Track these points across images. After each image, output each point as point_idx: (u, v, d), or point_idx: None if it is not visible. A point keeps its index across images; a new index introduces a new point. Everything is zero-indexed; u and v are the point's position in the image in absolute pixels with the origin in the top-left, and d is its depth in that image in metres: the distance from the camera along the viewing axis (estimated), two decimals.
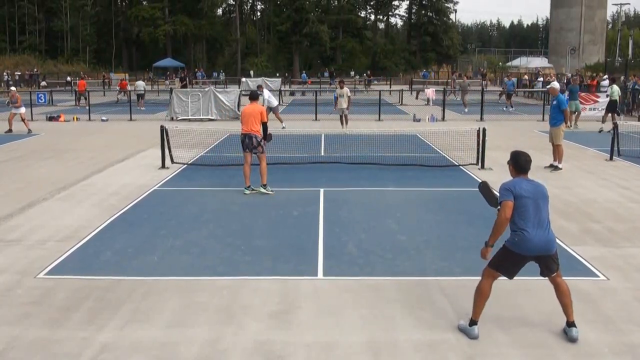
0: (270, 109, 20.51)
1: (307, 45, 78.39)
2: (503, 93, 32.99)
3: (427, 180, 12.10)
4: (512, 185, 5.10)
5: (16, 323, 5.54)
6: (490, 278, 5.26)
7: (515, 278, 5.45)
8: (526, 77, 45.26)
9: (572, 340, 5.12)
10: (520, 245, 5.03)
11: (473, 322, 5.25)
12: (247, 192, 10.85)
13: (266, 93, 21.44)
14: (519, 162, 5.20)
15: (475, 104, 29.78)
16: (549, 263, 5.15)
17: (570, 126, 22.89)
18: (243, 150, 10.93)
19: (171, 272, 6.85)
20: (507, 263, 5.16)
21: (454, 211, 9.65)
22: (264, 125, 10.92)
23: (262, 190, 10.83)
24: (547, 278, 5.32)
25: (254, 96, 11.25)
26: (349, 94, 21.19)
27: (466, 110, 28.61)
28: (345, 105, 20.77)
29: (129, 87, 36.38)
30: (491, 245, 5.16)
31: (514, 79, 34.87)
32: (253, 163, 11.01)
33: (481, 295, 5.25)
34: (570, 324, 5.18)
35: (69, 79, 52.24)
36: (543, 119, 23.66)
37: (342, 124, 21.11)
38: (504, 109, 29.93)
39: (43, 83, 53.16)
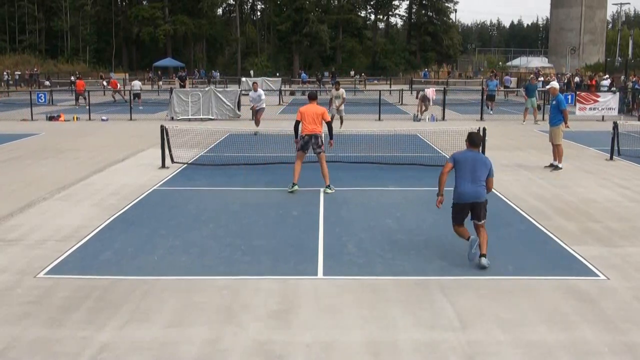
0: (261, 109, 20.47)
1: (307, 45, 78.38)
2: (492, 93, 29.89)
3: (427, 180, 12.08)
4: (456, 154, 7.22)
5: (16, 323, 5.54)
6: (456, 226, 7.20)
7: (514, 278, 6.05)
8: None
9: (481, 267, 6.71)
10: (458, 197, 7.04)
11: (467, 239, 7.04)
12: (293, 189, 10.88)
13: (261, 92, 21.16)
14: (471, 137, 7.33)
15: (475, 104, 29.78)
16: (479, 210, 6.97)
17: (536, 123, 22.82)
18: (298, 150, 11.02)
19: (171, 272, 6.85)
20: (454, 213, 7.13)
21: None
22: (329, 125, 11.21)
23: (328, 190, 10.89)
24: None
25: (312, 96, 11.28)
26: (344, 95, 21.77)
27: (420, 117, 25.31)
28: (339, 106, 21.22)
29: (119, 87, 36.49)
30: (439, 194, 7.10)
31: (496, 80, 33.65)
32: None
33: (458, 233, 7.22)
34: (482, 255, 6.82)
35: (72, 78, 52.17)
36: (543, 119, 23.67)
37: (340, 123, 21.18)
38: (489, 111, 28.06)
39: (47, 83, 53.03)
